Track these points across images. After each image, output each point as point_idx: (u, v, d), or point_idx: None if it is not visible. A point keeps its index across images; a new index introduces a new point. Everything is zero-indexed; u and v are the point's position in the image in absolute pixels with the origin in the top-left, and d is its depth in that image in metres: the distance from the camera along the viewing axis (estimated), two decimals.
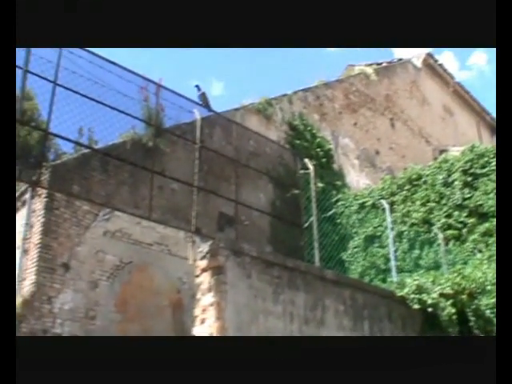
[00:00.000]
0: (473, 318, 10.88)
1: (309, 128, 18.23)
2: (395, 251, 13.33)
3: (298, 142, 17.48)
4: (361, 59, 25.87)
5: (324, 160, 17.80)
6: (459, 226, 13.43)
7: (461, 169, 13.72)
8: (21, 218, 11.71)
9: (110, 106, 9.55)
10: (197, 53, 39.46)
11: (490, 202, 12.88)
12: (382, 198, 14.69)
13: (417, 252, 13.83)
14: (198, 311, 8.36)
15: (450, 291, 11.14)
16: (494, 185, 12.60)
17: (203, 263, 8.45)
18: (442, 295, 11.09)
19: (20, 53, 8.60)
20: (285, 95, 18.49)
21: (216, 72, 56.85)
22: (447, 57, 59.74)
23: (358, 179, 19.95)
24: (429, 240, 13.78)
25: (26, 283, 10.76)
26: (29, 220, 11.34)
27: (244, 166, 12.74)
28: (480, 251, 12.88)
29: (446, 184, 13.95)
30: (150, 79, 10.61)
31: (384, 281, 13.51)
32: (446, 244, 13.43)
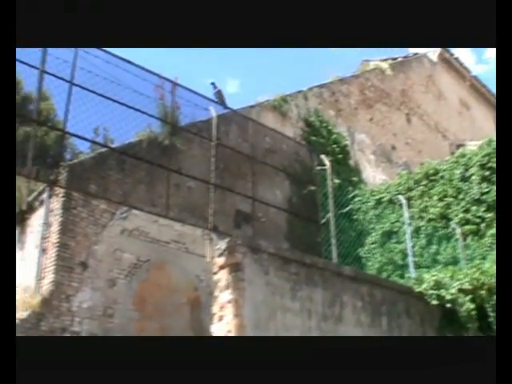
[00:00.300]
0: (492, 314, 10.78)
1: (324, 124, 18.18)
2: (413, 247, 13.26)
3: (313, 138, 17.44)
4: (376, 54, 25.76)
5: (340, 156, 17.76)
6: (477, 220, 13.31)
7: (478, 163, 13.59)
8: (39, 217, 11.80)
9: (125, 105, 9.58)
10: (211, 51, 39.45)
11: None
12: (399, 194, 14.61)
13: (434, 247, 13.74)
14: (215, 308, 8.36)
15: (469, 287, 11.06)
16: None
17: (221, 260, 8.45)
18: (460, 291, 11.02)
19: (36, 53, 8.66)
20: (300, 92, 18.44)
21: (231, 70, 56.90)
22: (463, 51, 59.35)
23: (374, 175, 19.87)
24: (446, 235, 13.68)
25: (44, 282, 10.83)
26: (47, 219, 11.40)
27: (260, 163, 12.73)
28: None
29: (464, 179, 13.83)
30: (166, 77, 10.63)
31: (402, 277, 13.45)
32: (464, 239, 13.33)
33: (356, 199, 15.86)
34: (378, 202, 15.41)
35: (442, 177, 14.34)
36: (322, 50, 45.30)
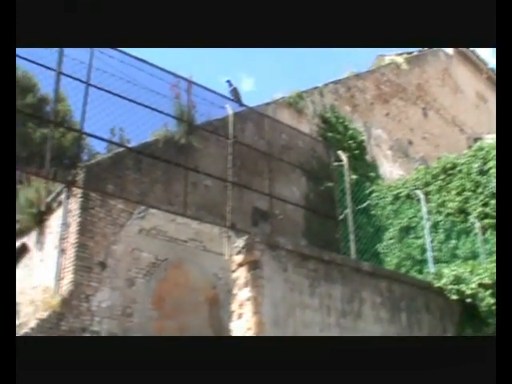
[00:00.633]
0: None
1: (341, 120, 18.12)
2: (431, 242, 13.18)
3: (330, 134, 17.39)
4: (391, 49, 25.62)
5: (357, 152, 17.68)
6: None
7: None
8: (57, 218, 11.87)
9: (142, 104, 9.59)
10: (225, 49, 39.45)
11: None
12: (417, 189, 14.52)
13: (453, 242, 13.63)
14: (234, 306, 8.35)
15: (489, 281, 10.94)
16: None
17: (239, 258, 8.44)
18: (480, 285, 10.92)
19: (53, 55, 8.69)
20: (316, 88, 18.40)
21: (246, 68, 56.88)
22: None
23: (391, 170, 19.78)
24: (465, 230, 13.57)
25: (64, 282, 10.90)
26: (65, 220, 11.48)
27: (277, 160, 12.71)
28: None
29: (482, 172, 13.70)
30: (181, 76, 10.64)
31: (420, 272, 13.37)
32: (484, 233, 13.22)
33: (373, 195, 15.78)
34: (396, 197, 15.33)
35: (459, 171, 14.22)
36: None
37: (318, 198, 14.70)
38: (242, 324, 8.09)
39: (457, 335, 11.00)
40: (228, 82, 13.77)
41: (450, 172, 14.45)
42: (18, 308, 12.52)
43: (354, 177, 14.77)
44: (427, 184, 14.70)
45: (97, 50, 9.16)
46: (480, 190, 13.60)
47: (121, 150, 12.08)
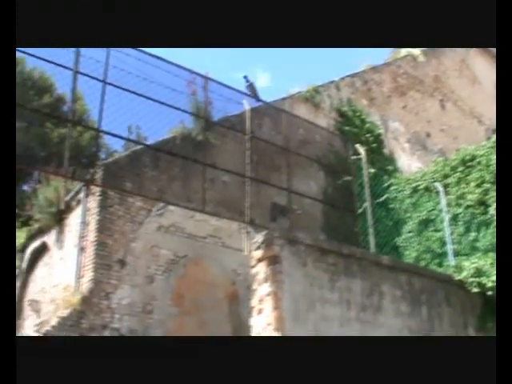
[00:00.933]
0: None
1: (358, 114, 18.05)
2: (451, 234, 13.10)
3: (347, 128, 17.33)
4: None
5: (374, 145, 17.59)
6: None
7: None
8: (76, 216, 11.94)
9: (158, 102, 9.61)
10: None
11: None
12: (435, 181, 14.41)
13: (473, 234, 13.51)
14: (254, 302, 8.35)
15: None
16: None
17: (258, 253, 8.44)
18: None
19: (69, 54, 8.73)
20: (332, 82, 18.33)
21: (262, 63, 56.85)
22: None
23: (409, 163, 19.66)
24: (485, 222, 13.44)
25: (84, 280, 10.97)
26: (84, 218, 11.54)
27: (294, 155, 12.69)
28: None
29: None
30: (197, 72, 10.64)
31: (440, 265, 13.28)
32: None
33: (392, 188, 15.70)
34: (414, 190, 15.23)
35: (478, 162, 14.09)
36: None
37: (337, 193, 14.67)
38: (262, 319, 8.09)
39: (478, 328, 10.93)
40: (245, 77, 13.78)
41: (469, 164, 14.31)
42: (39, 306, 12.64)
43: (372, 170, 14.72)
44: (446, 176, 14.58)
45: (113, 49, 9.19)
46: None
47: (138, 147, 12.12)
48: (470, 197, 13.76)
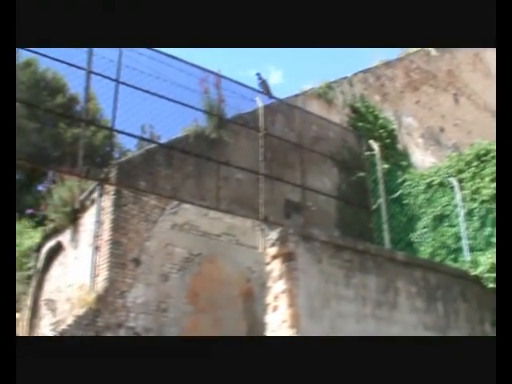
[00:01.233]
0: None
1: (371, 109, 17.98)
2: (466, 230, 13.02)
3: (360, 124, 17.25)
4: None
5: (388, 141, 17.52)
6: None
7: None
8: (91, 216, 11.98)
9: (171, 100, 9.62)
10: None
11: None
12: (450, 176, 14.33)
13: (489, 229, 13.41)
14: (269, 299, 8.34)
15: None
16: None
17: (273, 251, 8.43)
18: None
19: (82, 54, 8.76)
20: (345, 78, 18.25)
21: (274, 61, 56.78)
22: None
23: (423, 158, 19.55)
24: None
25: (99, 279, 10.99)
26: (99, 218, 11.56)
27: (308, 151, 12.66)
28: None
29: None
30: (210, 70, 10.65)
31: (455, 260, 13.20)
32: None
33: (406, 184, 15.61)
34: (429, 185, 15.14)
35: (493, 157, 14.00)
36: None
37: (350, 189, 14.62)
38: (277, 317, 8.09)
39: (495, 324, 10.86)
40: (257, 74, 13.74)
41: (484, 158, 14.22)
42: (55, 305, 12.71)
43: (386, 166, 14.65)
44: (460, 171, 14.49)
45: (125, 48, 9.22)
46: None
47: (151, 146, 12.14)
48: (484, 191, 13.66)
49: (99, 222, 11.52)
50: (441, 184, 14.77)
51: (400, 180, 15.66)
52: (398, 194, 15.13)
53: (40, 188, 19.99)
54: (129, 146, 18.79)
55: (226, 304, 12.27)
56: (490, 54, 25.91)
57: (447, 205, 14.32)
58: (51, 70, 22.84)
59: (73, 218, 12.86)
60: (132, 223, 11.44)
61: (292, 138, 12.55)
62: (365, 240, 10.48)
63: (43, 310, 13.40)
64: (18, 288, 14.89)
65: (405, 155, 18.47)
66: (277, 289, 8.22)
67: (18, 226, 17.14)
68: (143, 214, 11.65)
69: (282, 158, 12.90)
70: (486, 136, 17.79)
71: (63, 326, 10.52)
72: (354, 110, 17.64)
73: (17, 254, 15.37)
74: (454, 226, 13.80)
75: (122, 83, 9.12)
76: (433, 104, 21.75)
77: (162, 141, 12.39)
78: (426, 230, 14.57)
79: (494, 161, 13.83)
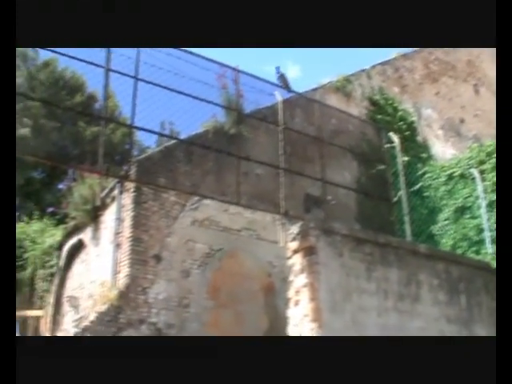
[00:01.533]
0: None
1: (390, 102, 17.88)
2: (488, 221, 12.91)
3: (379, 116, 17.17)
4: None
5: (407, 133, 17.41)
6: None
7: None
8: (111, 213, 12.04)
9: (190, 96, 9.63)
10: None
11: None
12: (471, 168, 14.22)
13: None
14: (291, 293, 8.31)
15: None
16: None
17: (294, 245, 8.40)
18: None
19: (100, 53, 8.78)
20: (363, 70, 18.16)
21: (292, 56, 56.66)
22: None
23: (443, 150, 19.41)
24: None
25: (120, 276, 11.06)
26: (119, 215, 11.62)
27: (327, 145, 12.63)
28: None
29: None
30: (228, 65, 10.64)
31: (477, 253, 13.11)
32: None
33: (426, 176, 15.51)
34: (449, 177, 15.03)
35: None
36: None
37: (371, 182, 14.55)
38: (299, 311, 8.06)
39: None
40: (276, 68, 13.70)
41: None
42: (77, 302, 12.81)
43: (406, 158, 14.56)
44: (482, 162, 14.36)
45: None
46: None
47: (171, 143, 12.17)
48: None
49: (120, 219, 11.58)
50: (462, 175, 14.66)
51: (420, 172, 15.57)
52: (418, 186, 15.04)
53: (60, 186, 20.12)
54: (148, 143, 18.87)
55: (247, 299, 12.28)
56: None
57: (468, 196, 14.21)
58: (70, 69, 22.99)
59: (93, 215, 12.93)
60: (152, 220, 11.48)
61: (311, 132, 12.51)
62: (386, 233, 10.42)
63: (66, 307, 13.51)
64: (41, 286, 15.03)
65: (425, 147, 18.35)
66: (298, 283, 8.20)
67: (40, 225, 17.31)
68: (163, 210, 11.69)
69: (301, 152, 12.87)
70: None
71: (86, 323, 10.60)
72: (373, 102, 17.56)
73: (39, 253, 15.52)
74: (475, 218, 13.70)
75: (141, 80, 9.14)
76: (452, 95, 21.56)
77: (182, 137, 12.41)
78: (447, 222, 14.48)
79: None
